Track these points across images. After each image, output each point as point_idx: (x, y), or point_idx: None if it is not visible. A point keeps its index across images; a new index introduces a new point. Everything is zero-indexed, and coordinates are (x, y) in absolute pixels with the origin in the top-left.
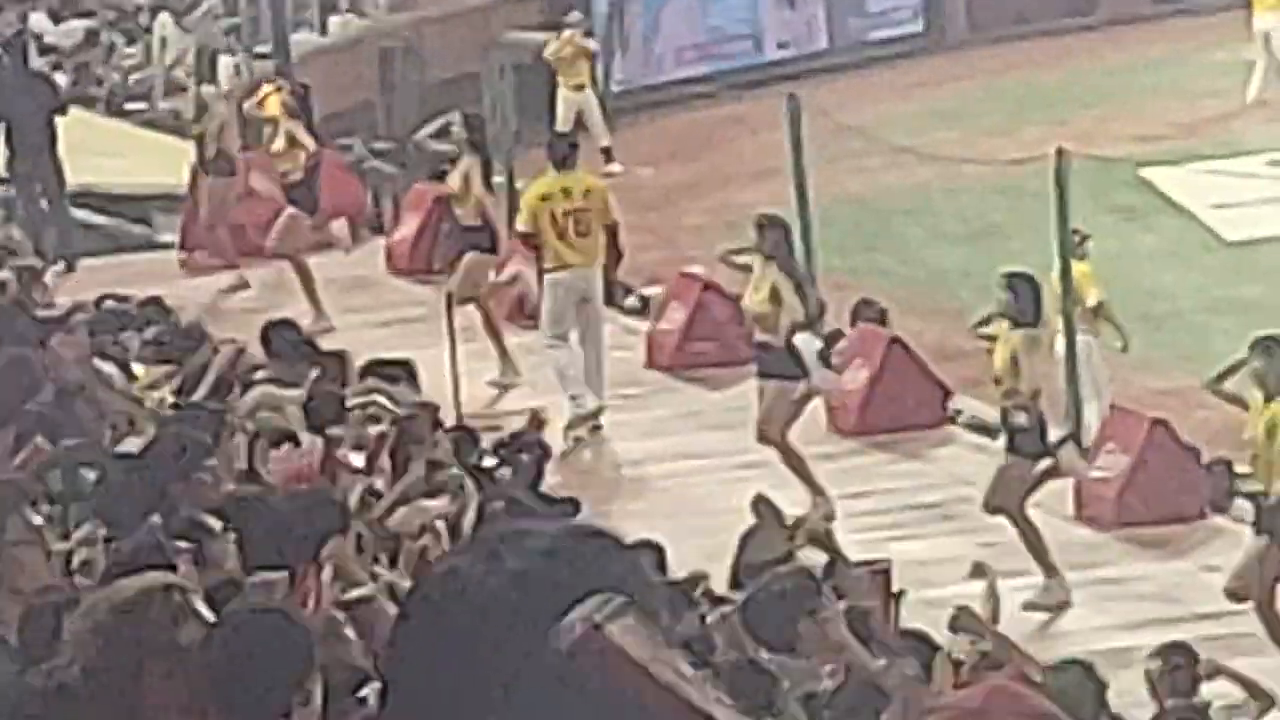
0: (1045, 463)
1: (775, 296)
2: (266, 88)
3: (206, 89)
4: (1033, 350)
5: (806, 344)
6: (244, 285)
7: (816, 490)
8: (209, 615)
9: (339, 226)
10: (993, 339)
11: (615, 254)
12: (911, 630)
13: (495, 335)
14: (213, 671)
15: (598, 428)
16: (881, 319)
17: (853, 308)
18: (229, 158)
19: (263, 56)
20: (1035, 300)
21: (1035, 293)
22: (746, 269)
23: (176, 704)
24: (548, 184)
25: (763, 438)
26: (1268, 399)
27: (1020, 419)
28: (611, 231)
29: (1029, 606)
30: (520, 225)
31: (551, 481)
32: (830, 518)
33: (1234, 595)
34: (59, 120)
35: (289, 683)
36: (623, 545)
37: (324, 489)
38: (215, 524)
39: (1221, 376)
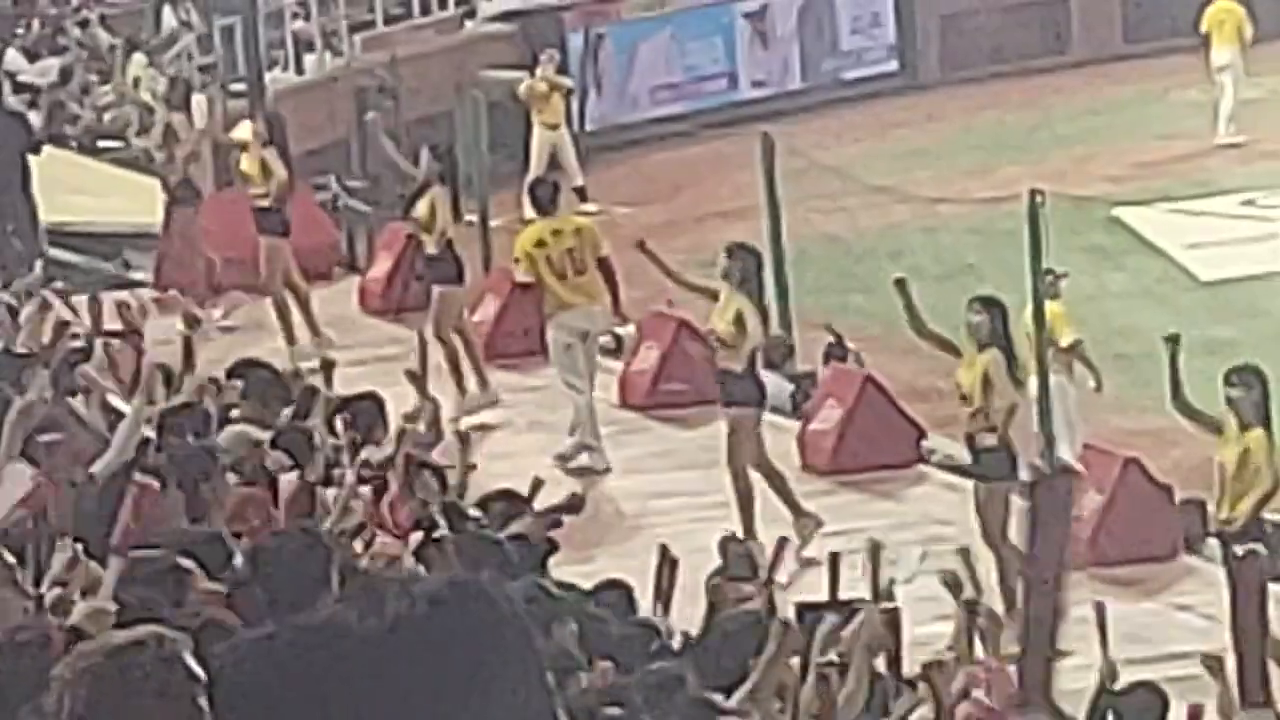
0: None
1: (740, 322)
2: (244, 126)
3: (176, 117)
4: (1003, 370)
5: (776, 386)
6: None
7: (750, 530)
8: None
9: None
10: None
11: (613, 287)
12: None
13: (475, 362)
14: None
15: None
16: (852, 358)
17: (825, 348)
18: (194, 188)
19: (238, 95)
20: (1004, 324)
21: (1003, 317)
22: (712, 296)
23: None
24: (538, 230)
25: (732, 466)
26: (1243, 428)
27: (988, 440)
28: (606, 266)
29: None
30: (520, 275)
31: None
32: (814, 531)
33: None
34: (32, 158)
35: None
36: (502, 600)
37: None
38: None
39: (1189, 407)
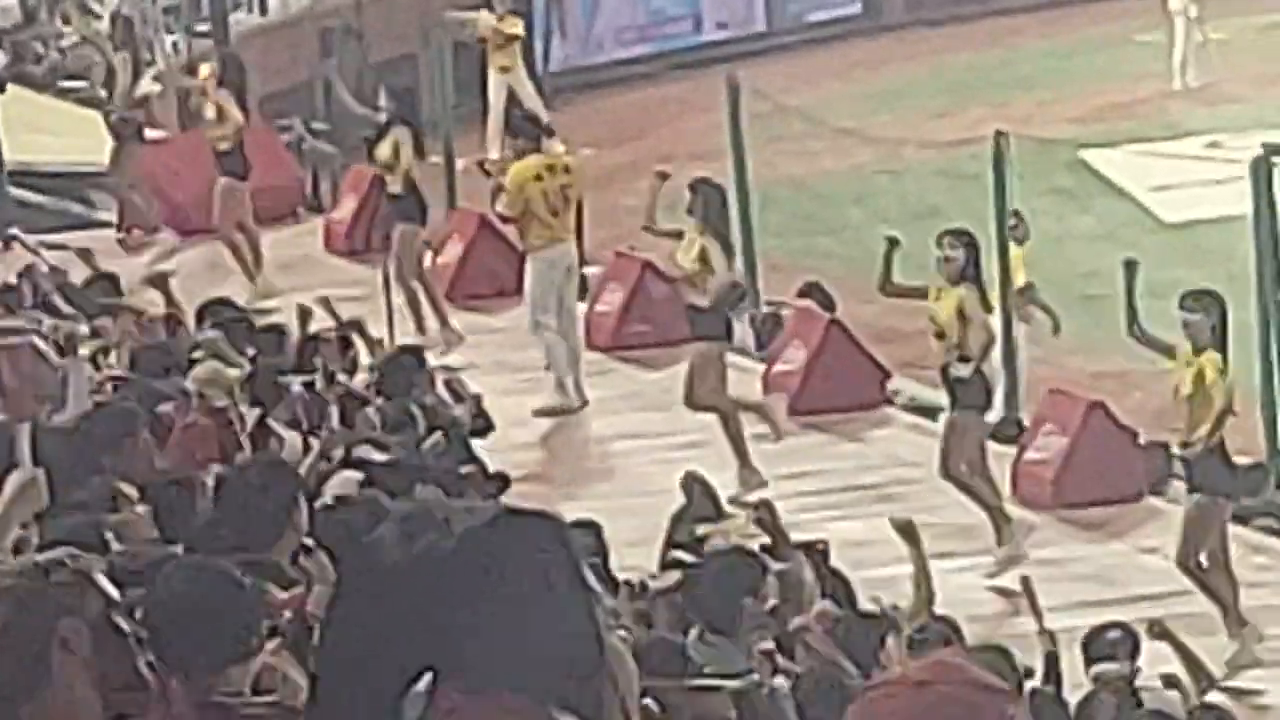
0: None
1: (704, 258)
2: (206, 67)
3: (118, 56)
4: (978, 303)
5: (735, 331)
6: (169, 254)
7: (745, 459)
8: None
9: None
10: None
11: (580, 227)
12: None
13: (434, 305)
14: (150, 625)
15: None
16: (828, 303)
17: (799, 290)
18: (135, 123)
19: (202, 35)
20: (976, 258)
21: (975, 250)
22: (677, 235)
23: (84, 670)
24: (534, 164)
25: (691, 401)
26: (1196, 351)
27: (963, 370)
28: (580, 206)
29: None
30: (506, 208)
31: (509, 460)
32: (760, 486)
33: (1184, 566)
34: None
35: (229, 636)
36: (551, 521)
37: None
38: (132, 493)
39: (1144, 334)
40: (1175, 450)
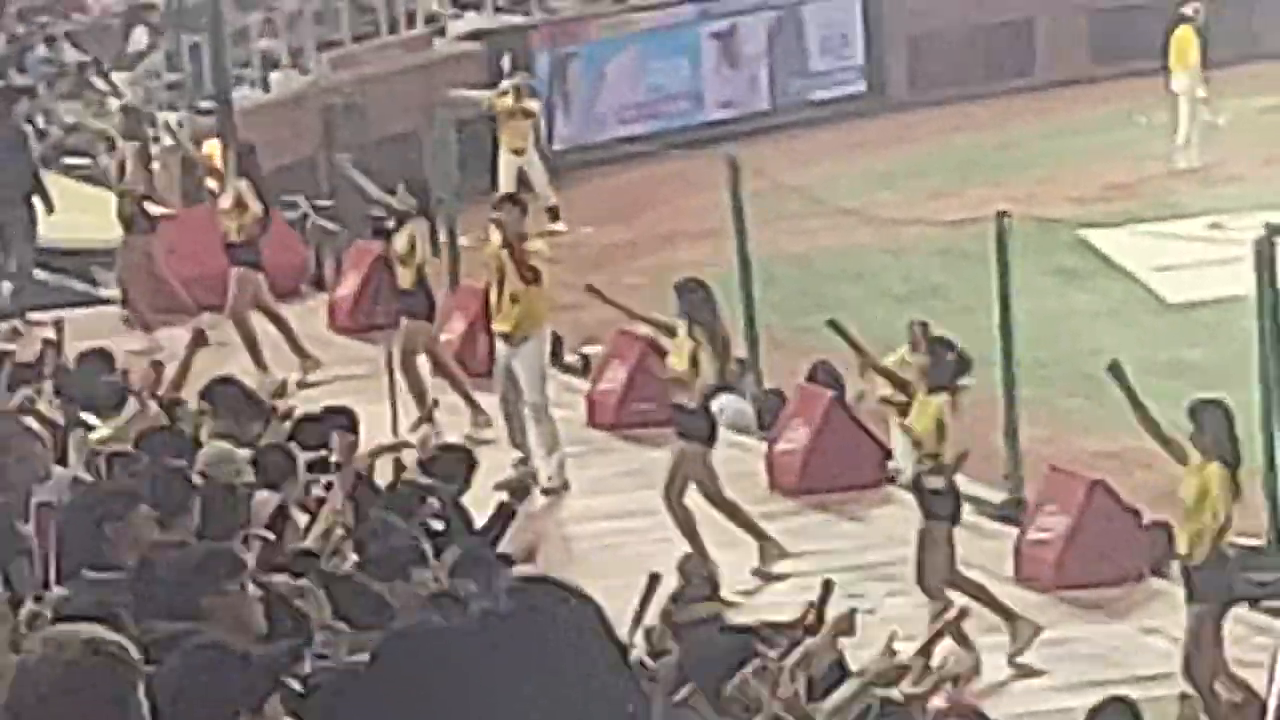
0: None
1: (695, 359)
2: (211, 143)
3: (130, 145)
4: (956, 413)
5: (736, 408)
6: (158, 348)
7: (703, 554)
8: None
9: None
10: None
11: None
12: None
13: (459, 387)
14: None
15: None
16: (834, 383)
17: (809, 371)
18: (147, 215)
19: (205, 113)
20: (956, 362)
21: (957, 355)
22: (670, 332)
23: None
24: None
25: (668, 496)
26: (1204, 461)
27: (936, 482)
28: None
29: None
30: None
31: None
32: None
33: (1188, 673)
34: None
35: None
36: (578, 594)
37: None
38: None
39: (1156, 429)
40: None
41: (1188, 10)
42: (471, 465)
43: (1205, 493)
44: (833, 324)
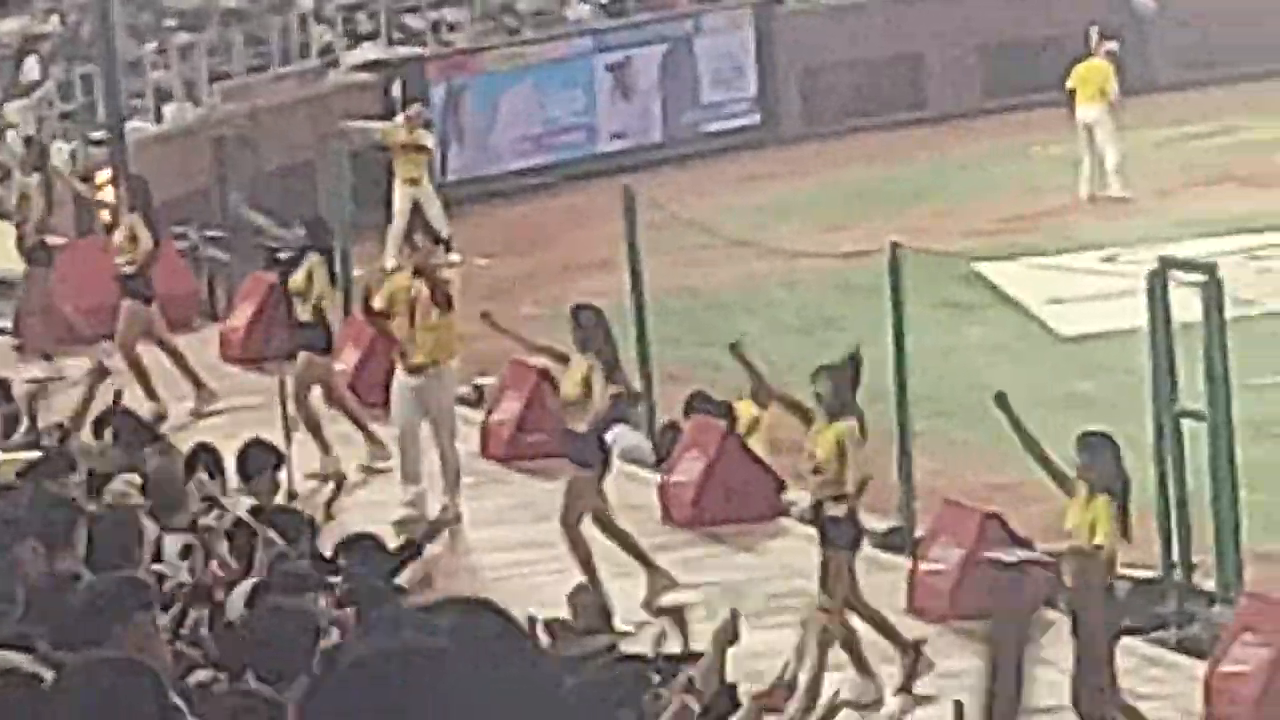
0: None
1: (587, 385)
2: (103, 175)
3: (28, 179)
4: (857, 443)
5: (631, 440)
6: (59, 377)
7: (595, 584)
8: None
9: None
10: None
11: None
12: None
13: (350, 414)
14: None
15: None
16: (725, 412)
17: (686, 400)
18: (48, 249)
19: (98, 143)
20: (853, 390)
21: (853, 381)
22: (562, 359)
23: None
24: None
25: (565, 523)
26: (1091, 494)
27: (836, 510)
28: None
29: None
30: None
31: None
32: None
33: (1076, 705)
34: None
35: None
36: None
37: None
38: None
39: (1045, 457)
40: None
41: (1104, 47)
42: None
43: (1092, 525)
44: (734, 349)
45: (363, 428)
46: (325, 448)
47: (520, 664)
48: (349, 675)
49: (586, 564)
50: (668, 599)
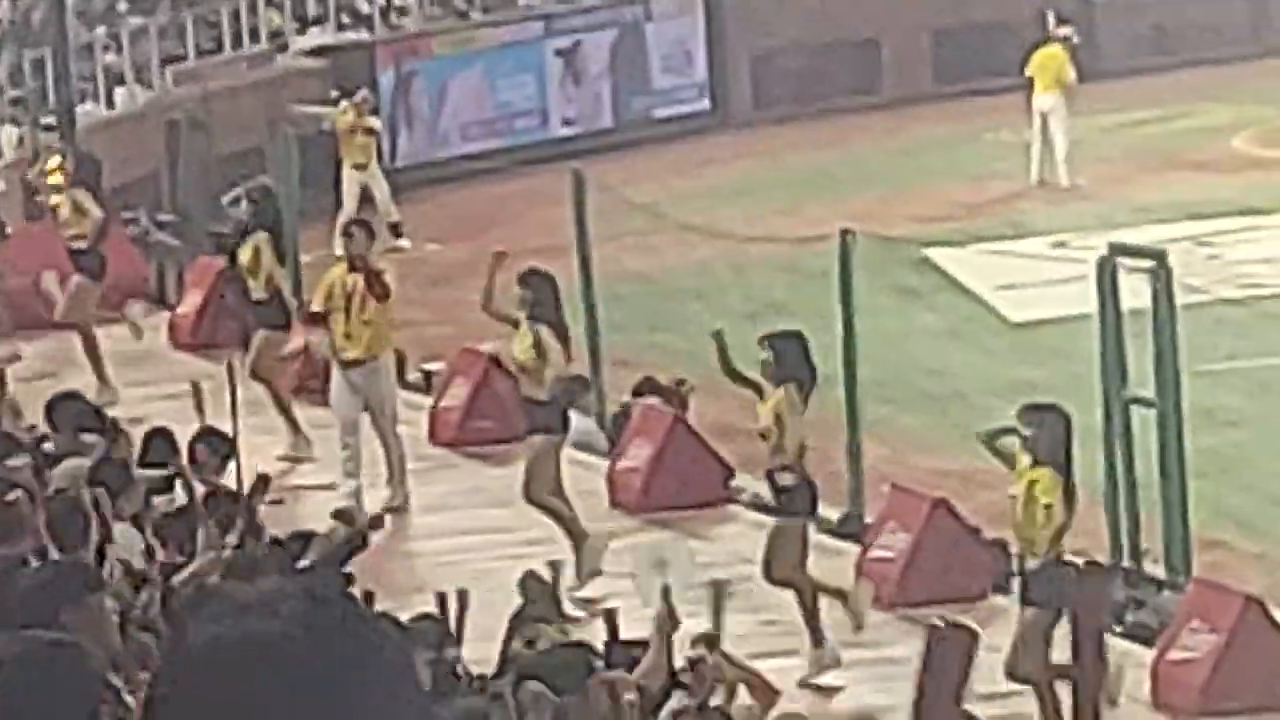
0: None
1: (539, 348)
2: (53, 159)
3: None
4: (794, 408)
5: (581, 424)
6: (16, 358)
7: (581, 535)
8: None
9: (137, 311)
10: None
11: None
12: None
13: (284, 410)
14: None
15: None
16: (672, 397)
17: (635, 385)
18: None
19: (49, 128)
20: (801, 359)
21: (800, 352)
22: (515, 323)
23: None
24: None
25: (529, 496)
26: (1034, 464)
27: (787, 479)
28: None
29: (803, 684)
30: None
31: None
32: (596, 574)
33: (1012, 674)
34: None
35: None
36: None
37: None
38: None
39: (994, 435)
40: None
41: (1060, 32)
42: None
43: (1033, 497)
44: (717, 337)
45: (288, 416)
46: (294, 427)
47: (366, 653)
48: (190, 663)
49: (571, 525)
50: (586, 590)
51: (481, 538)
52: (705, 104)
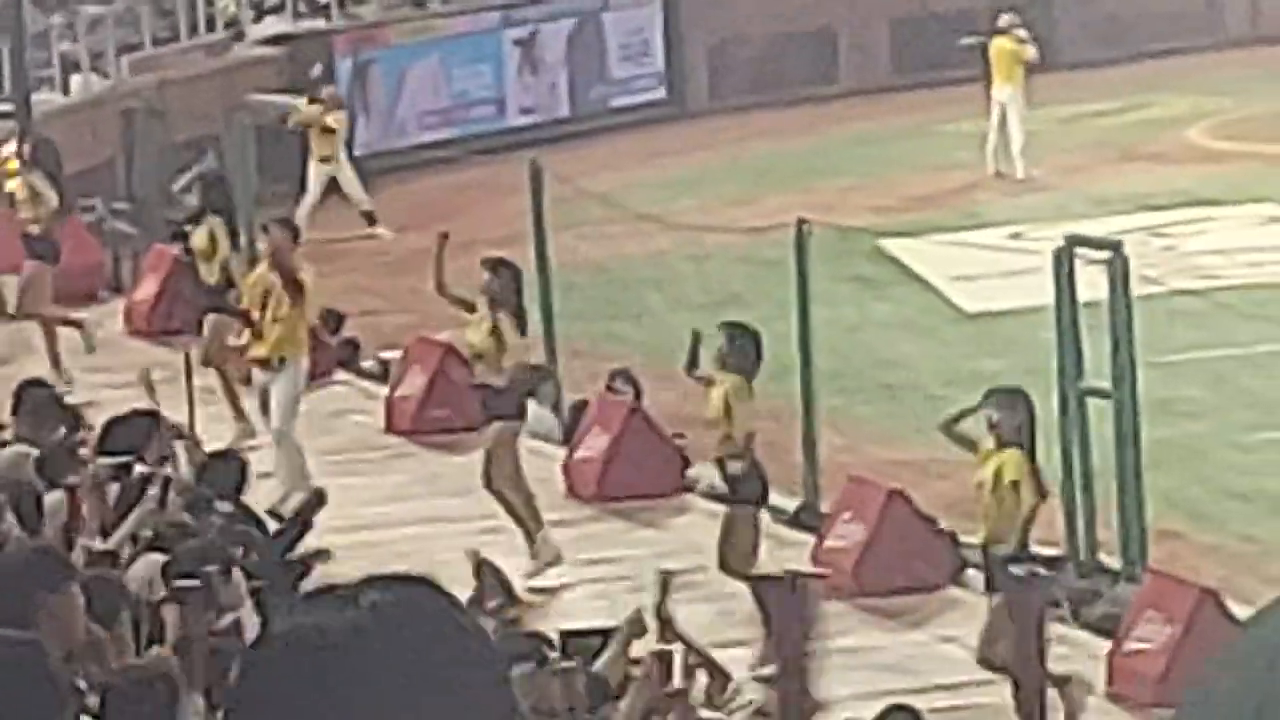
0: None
1: (497, 334)
2: (8, 145)
3: None
4: (742, 396)
5: (538, 415)
6: None
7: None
8: None
9: (91, 322)
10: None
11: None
12: None
13: (233, 397)
14: None
15: None
16: (633, 390)
17: (607, 379)
18: None
19: (4, 115)
20: (752, 351)
21: (753, 344)
22: (469, 308)
23: None
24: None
25: (489, 484)
26: (1000, 447)
27: (736, 467)
28: None
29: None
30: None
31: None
32: (557, 561)
33: (985, 662)
34: None
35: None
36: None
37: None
38: None
39: (955, 419)
40: (972, 540)
41: (1003, 21)
42: (244, 472)
43: (1000, 478)
44: (695, 336)
45: (234, 404)
46: (239, 414)
47: (453, 641)
48: (269, 656)
49: (532, 516)
50: (535, 580)
51: (439, 526)
52: (663, 93)
